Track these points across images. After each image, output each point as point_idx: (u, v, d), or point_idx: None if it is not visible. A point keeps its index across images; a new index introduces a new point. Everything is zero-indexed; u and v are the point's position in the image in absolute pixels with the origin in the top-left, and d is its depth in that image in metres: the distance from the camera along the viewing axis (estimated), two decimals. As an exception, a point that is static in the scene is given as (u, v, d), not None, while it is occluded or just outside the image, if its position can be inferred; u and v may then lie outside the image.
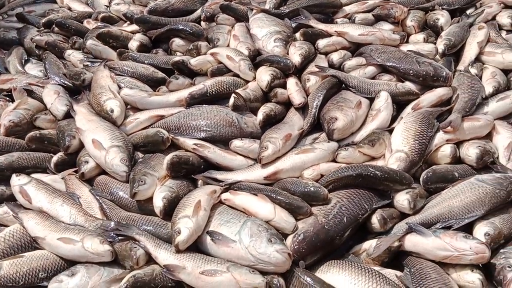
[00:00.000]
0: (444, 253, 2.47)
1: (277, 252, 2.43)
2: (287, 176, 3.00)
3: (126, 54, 4.14)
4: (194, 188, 2.96)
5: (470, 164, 3.00)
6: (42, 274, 2.57)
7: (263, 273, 2.44)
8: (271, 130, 3.21)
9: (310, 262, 2.58)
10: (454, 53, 3.86)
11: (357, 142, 3.15)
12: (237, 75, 3.69)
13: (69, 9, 5.49)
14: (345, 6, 4.49)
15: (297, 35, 4.07)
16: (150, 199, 2.86)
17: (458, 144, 3.10)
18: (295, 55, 3.74)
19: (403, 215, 2.76)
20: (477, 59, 3.81)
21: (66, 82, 3.89)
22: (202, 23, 4.50)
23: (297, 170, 3.02)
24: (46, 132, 3.49)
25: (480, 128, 3.16)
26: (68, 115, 3.51)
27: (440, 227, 2.61)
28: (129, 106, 3.56)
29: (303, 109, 3.41)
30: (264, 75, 3.53)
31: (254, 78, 3.62)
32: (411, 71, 3.52)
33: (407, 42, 4.04)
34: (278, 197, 2.75)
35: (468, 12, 4.34)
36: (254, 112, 3.41)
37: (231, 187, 2.94)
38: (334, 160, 3.07)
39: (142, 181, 2.87)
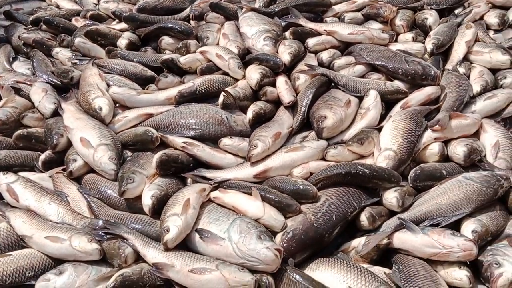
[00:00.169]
0: (432, 250, 2.49)
1: (266, 249, 2.43)
2: (276, 174, 3.00)
3: (115, 52, 4.12)
4: (183, 186, 2.95)
5: (458, 162, 3.02)
6: (29, 273, 2.55)
7: (253, 271, 2.43)
8: (260, 128, 3.21)
9: (299, 260, 2.59)
10: (442, 52, 3.89)
11: (346, 140, 3.16)
12: (227, 74, 3.68)
13: (57, 7, 5.47)
14: (334, 5, 4.50)
15: (287, 33, 4.08)
16: (139, 198, 2.85)
17: (446, 142, 3.12)
18: (285, 53, 3.74)
19: (391, 213, 2.78)
20: (465, 58, 3.84)
21: (54, 80, 3.86)
22: (191, 21, 4.49)
23: (286, 168, 3.02)
24: (34, 130, 3.46)
25: (468, 126, 3.18)
26: (56, 113, 3.49)
27: (428, 224, 2.63)
28: (117, 104, 3.54)
29: (292, 107, 3.42)
30: (254, 73, 3.53)
31: (244, 77, 3.62)
32: (400, 70, 3.54)
33: (396, 41, 4.06)
34: (268, 195, 2.76)
35: (456, 11, 4.37)
36: (244, 110, 3.41)
37: (220, 185, 2.94)
38: (323, 158, 3.08)
39: (130, 179, 2.86)
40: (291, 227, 2.63)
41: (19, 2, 5.56)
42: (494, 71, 3.71)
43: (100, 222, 2.74)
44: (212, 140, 3.24)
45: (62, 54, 4.27)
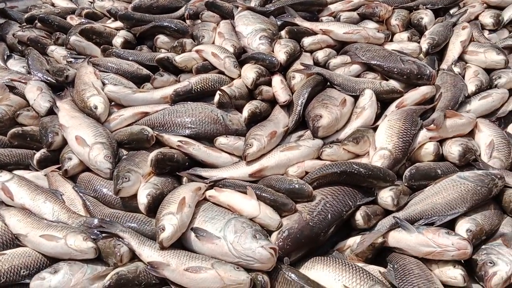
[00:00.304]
0: (427, 249, 2.50)
1: (262, 248, 2.43)
2: (272, 173, 3.00)
3: (110, 50, 4.11)
4: (178, 185, 2.95)
5: (453, 162, 3.03)
6: (24, 272, 2.54)
7: (248, 270, 2.44)
8: (256, 127, 3.22)
9: (294, 258, 2.59)
10: (437, 52, 3.91)
11: (341, 139, 3.16)
12: (222, 73, 3.69)
13: (52, 5, 5.46)
14: (330, 4, 4.50)
15: (283, 33, 4.07)
16: (134, 196, 2.86)
17: (441, 142, 3.13)
18: (280, 52, 3.75)
19: (386, 212, 2.79)
20: (460, 58, 3.86)
21: (49, 78, 3.86)
22: (187, 20, 4.48)
23: (282, 167, 3.02)
24: (29, 128, 3.46)
25: (463, 126, 3.19)
26: (51, 112, 3.49)
27: (423, 223, 2.64)
28: (113, 103, 3.53)
29: (288, 106, 3.43)
30: (249, 72, 3.53)
31: (239, 76, 3.63)
32: (395, 70, 3.55)
33: (391, 40, 4.07)
34: (263, 194, 2.76)
35: (451, 11, 4.39)
36: (239, 109, 3.41)
37: (216, 184, 2.94)
38: (318, 158, 3.09)
39: (126, 178, 2.86)
40: (287, 226, 2.63)
41: (13, 0, 5.53)
42: (489, 71, 3.72)
43: (96, 221, 2.74)
44: (207, 139, 3.24)
45: (57, 52, 4.25)
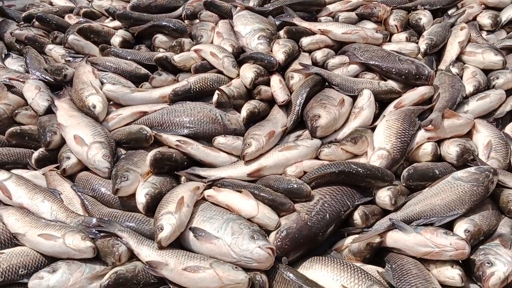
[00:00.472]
0: (425, 249, 2.50)
1: (259, 248, 2.43)
2: (270, 173, 3.00)
3: (109, 49, 4.10)
4: (177, 184, 2.94)
5: (451, 162, 3.03)
6: (22, 271, 2.54)
7: (246, 269, 2.44)
8: (254, 127, 3.22)
9: (293, 258, 2.60)
10: (435, 52, 3.91)
11: (340, 139, 3.17)
12: (221, 72, 3.68)
13: (50, 3, 5.45)
14: (328, 4, 4.51)
15: (281, 33, 4.08)
16: (133, 196, 2.85)
17: (439, 142, 3.14)
18: (279, 52, 3.75)
19: (384, 212, 2.79)
20: (458, 59, 3.86)
21: (47, 77, 3.86)
22: (185, 21, 4.48)
23: (280, 167, 3.03)
24: (27, 127, 3.45)
25: (461, 126, 3.20)
26: (50, 111, 3.48)
27: (422, 223, 2.65)
28: (111, 102, 3.53)
29: (286, 106, 3.43)
30: (248, 72, 3.53)
31: (238, 75, 3.63)
32: (393, 70, 3.55)
33: (389, 41, 4.08)
34: (261, 194, 2.76)
35: (449, 12, 4.39)
36: (238, 109, 3.41)
37: (214, 183, 2.94)
38: (317, 157, 3.09)
39: (124, 177, 2.86)
40: (285, 226, 2.64)
41: (11, -2, 5.54)
42: (486, 71, 3.73)
43: (94, 220, 2.73)
44: (206, 138, 3.24)
45: (55, 51, 4.25)
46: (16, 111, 3.54)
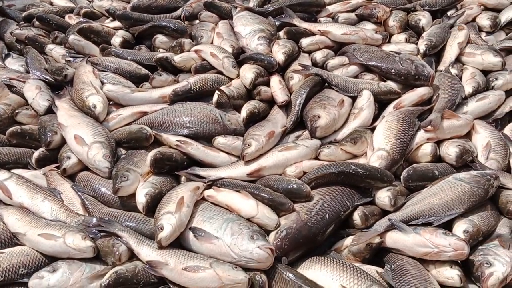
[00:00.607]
0: (424, 250, 2.51)
1: (259, 248, 2.44)
2: (270, 173, 3.01)
3: (109, 50, 4.11)
4: (177, 184, 2.95)
5: (450, 163, 3.04)
6: (22, 270, 2.54)
7: (246, 269, 2.45)
8: (254, 127, 3.23)
9: (292, 258, 2.60)
10: (435, 53, 3.92)
11: (339, 140, 3.17)
12: (221, 73, 3.69)
13: (50, 3, 5.45)
14: (328, 5, 4.51)
15: (281, 33, 4.08)
16: (133, 195, 2.86)
17: (439, 143, 3.15)
18: (279, 53, 3.75)
19: (384, 212, 2.80)
20: (457, 60, 3.87)
21: (47, 77, 3.86)
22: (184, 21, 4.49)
23: (280, 167, 3.03)
24: (27, 127, 3.45)
25: (460, 127, 3.21)
26: (50, 111, 3.49)
27: (421, 223, 2.66)
28: (111, 102, 3.53)
29: (286, 107, 3.44)
30: (248, 72, 3.54)
31: (238, 76, 3.63)
32: (392, 70, 3.56)
33: (389, 42, 4.09)
34: (261, 194, 2.77)
35: (449, 13, 4.40)
36: (238, 109, 3.42)
37: (214, 183, 2.95)
38: (316, 158, 3.10)
39: (125, 177, 2.86)
40: (285, 226, 2.64)
41: (11, -2, 5.54)
42: (486, 72, 3.73)
43: (94, 220, 2.73)
44: (206, 138, 3.24)
45: (56, 51, 4.25)
46: (17, 111, 3.54)
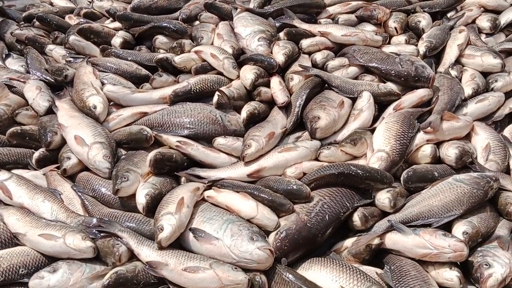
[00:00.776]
0: (424, 251, 2.52)
1: (258, 249, 2.45)
2: (270, 174, 3.01)
3: (109, 50, 4.11)
4: (177, 185, 2.95)
5: (450, 164, 3.05)
6: (22, 271, 2.54)
7: (246, 270, 2.45)
8: (254, 128, 3.23)
9: (292, 259, 2.61)
10: (434, 55, 3.93)
11: (339, 141, 3.17)
12: (221, 73, 3.69)
13: (51, 4, 5.45)
14: (328, 6, 4.52)
15: (281, 34, 4.09)
16: (133, 196, 2.86)
17: (438, 144, 3.15)
18: (279, 54, 3.76)
19: (384, 214, 2.80)
20: (457, 61, 3.88)
21: (48, 77, 3.86)
22: (184, 22, 4.50)
23: (280, 168, 3.04)
24: (28, 128, 3.46)
25: (460, 129, 3.21)
26: (50, 111, 3.49)
27: (420, 224, 2.66)
28: (112, 103, 3.54)
29: (286, 108, 3.44)
30: (248, 73, 3.54)
31: (238, 77, 3.64)
32: (392, 72, 3.56)
33: (389, 43, 4.09)
34: (261, 195, 2.77)
35: (449, 15, 4.42)
36: (238, 110, 3.42)
37: (214, 184, 2.95)
38: (316, 159, 3.10)
39: (125, 178, 2.87)
40: (285, 227, 2.65)
41: (11, -2, 5.55)
42: (485, 74, 3.75)
43: (94, 220, 2.74)
44: (206, 139, 3.24)
45: (56, 51, 4.26)
46: (17, 111, 3.55)
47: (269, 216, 2.68)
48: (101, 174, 3.05)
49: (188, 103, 3.44)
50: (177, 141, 3.16)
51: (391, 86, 3.53)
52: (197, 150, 3.14)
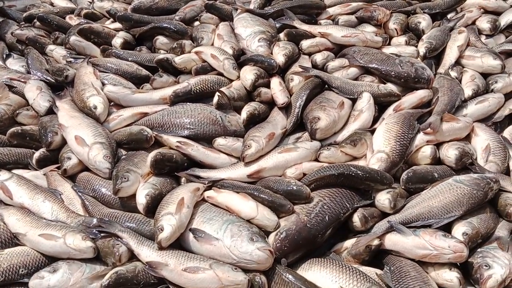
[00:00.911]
0: (423, 252, 2.52)
1: (258, 250, 2.45)
2: (270, 174, 3.01)
3: (110, 51, 4.12)
4: (177, 185, 2.96)
5: (450, 165, 3.05)
6: (22, 271, 2.55)
7: (246, 270, 2.46)
8: (254, 129, 3.23)
9: (292, 260, 2.61)
10: (434, 56, 3.93)
11: (339, 142, 3.18)
12: (221, 74, 3.70)
13: (51, 4, 5.46)
14: (328, 7, 4.53)
15: (281, 35, 4.10)
16: (133, 196, 2.86)
17: (438, 145, 3.16)
18: (279, 55, 3.76)
19: (383, 214, 2.80)
20: (457, 63, 3.89)
21: (48, 78, 3.86)
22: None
23: (280, 168, 3.04)
24: (28, 128, 3.46)
25: (460, 130, 3.22)
26: (51, 111, 3.49)
27: (420, 225, 2.66)
28: (112, 103, 3.54)
29: (286, 108, 3.45)
30: (248, 74, 3.55)
31: (238, 77, 3.64)
32: (392, 73, 3.57)
33: (389, 44, 4.09)
34: (261, 195, 2.77)
35: (449, 16, 4.42)
36: (238, 111, 3.43)
37: (214, 184, 2.95)
38: (316, 160, 3.10)
39: (125, 178, 2.87)
40: (284, 227, 2.65)
41: (12, -1, 5.55)
42: (485, 75, 3.75)
43: (94, 220, 2.74)
44: (206, 139, 3.25)
45: (57, 52, 4.25)
46: (17, 112, 3.55)
47: (269, 216, 2.69)
48: (101, 174, 3.05)
49: (188, 103, 3.45)
50: (177, 141, 3.17)
51: (391, 87, 3.53)
52: (197, 150, 3.15)
